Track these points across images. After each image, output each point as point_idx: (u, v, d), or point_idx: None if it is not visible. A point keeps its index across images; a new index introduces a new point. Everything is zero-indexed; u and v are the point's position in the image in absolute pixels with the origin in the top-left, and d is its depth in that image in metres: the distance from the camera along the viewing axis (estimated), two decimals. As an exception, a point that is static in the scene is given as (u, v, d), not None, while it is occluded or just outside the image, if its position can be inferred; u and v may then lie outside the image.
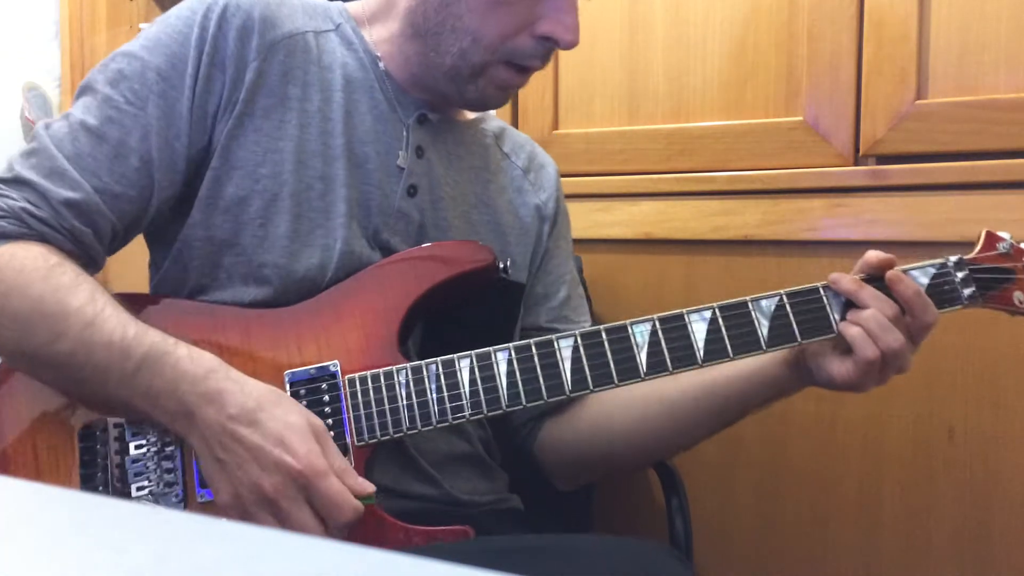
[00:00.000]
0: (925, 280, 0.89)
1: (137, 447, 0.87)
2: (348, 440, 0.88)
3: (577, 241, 1.25)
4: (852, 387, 0.90)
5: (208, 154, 0.94)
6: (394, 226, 0.97)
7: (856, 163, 1.28)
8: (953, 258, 0.90)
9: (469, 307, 0.98)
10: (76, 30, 2.04)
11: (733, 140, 1.36)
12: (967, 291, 0.89)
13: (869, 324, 0.86)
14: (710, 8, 1.38)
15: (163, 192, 0.93)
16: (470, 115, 1.11)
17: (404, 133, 0.99)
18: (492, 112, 1.09)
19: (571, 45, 0.95)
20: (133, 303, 0.91)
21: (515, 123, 1.52)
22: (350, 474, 0.82)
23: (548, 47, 0.95)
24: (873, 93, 1.26)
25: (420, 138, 1.00)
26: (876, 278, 0.89)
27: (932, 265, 0.89)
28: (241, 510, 0.81)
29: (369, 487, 0.82)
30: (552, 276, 1.11)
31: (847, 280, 0.88)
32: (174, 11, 0.96)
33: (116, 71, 0.93)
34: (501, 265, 0.96)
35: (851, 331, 0.87)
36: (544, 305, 1.10)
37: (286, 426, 0.81)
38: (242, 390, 0.82)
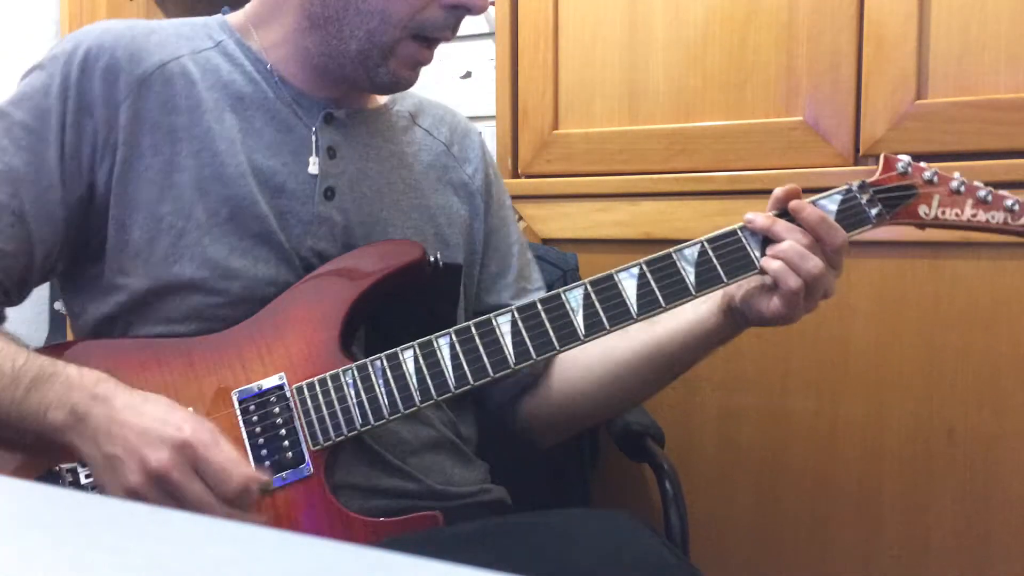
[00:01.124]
0: (833, 207, 0.93)
1: (87, 476, 0.87)
2: (303, 447, 0.89)
3: (577, 241, 1.26)
4: (783, 319, 0.92)
5: (92, 200, 0.94)
6: (317, 232, 0.96)
7: (856, 163, 1.28)
8: (856, 183, 0.94)
9: (409, 298, 0.99)
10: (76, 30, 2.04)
11: (733, 140, 1.36)
12: (874, 211, 0.93)
13: (788, 255, 0.89)
14: (710, 8, 1.38)
15: (45, 244, 0.93)
16: (380, 101, 1.08)
17: (312, 138, 0.98)
18: (403, 92, 1.07)
19: (481, 10, 0.94)
20: (68, 349, 0.92)
21: (515, 123, 1.52)
22: (242, 463, 0.81)
23: (458, 15, 0.95)
24: (873, 93, 1.26)
25: (330, 139, 0.99)
26: (788, 212, 0.93)
27: (838, 192, 0.94)
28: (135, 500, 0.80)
29: (262, 477, 0.82)
30: (501, 252, 1.12)
31: (761, 218, 0.92)
32: (39, 62, 0.96)
33: None
34: (432, 258, 0.97)
35: (772, 265, 0.90)
36: (501, 282, 1.11)
37: (171, 409, 0.81)
38: (130, 391, 0.83)
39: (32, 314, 1.92)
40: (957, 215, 0.94)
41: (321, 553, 0.34)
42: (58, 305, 1.88)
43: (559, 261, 1.33)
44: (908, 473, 1.24)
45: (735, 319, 0.96)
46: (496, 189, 1.15)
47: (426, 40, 0.95)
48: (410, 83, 0.99)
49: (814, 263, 0.89)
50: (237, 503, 0.80)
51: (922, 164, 0.95)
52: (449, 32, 0.95)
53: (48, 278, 0.98)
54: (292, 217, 0.96)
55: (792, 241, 0.90)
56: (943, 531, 1.23)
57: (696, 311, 0.97)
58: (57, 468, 0.88)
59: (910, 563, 1.24)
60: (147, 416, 0.80)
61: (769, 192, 1.33)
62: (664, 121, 1.41)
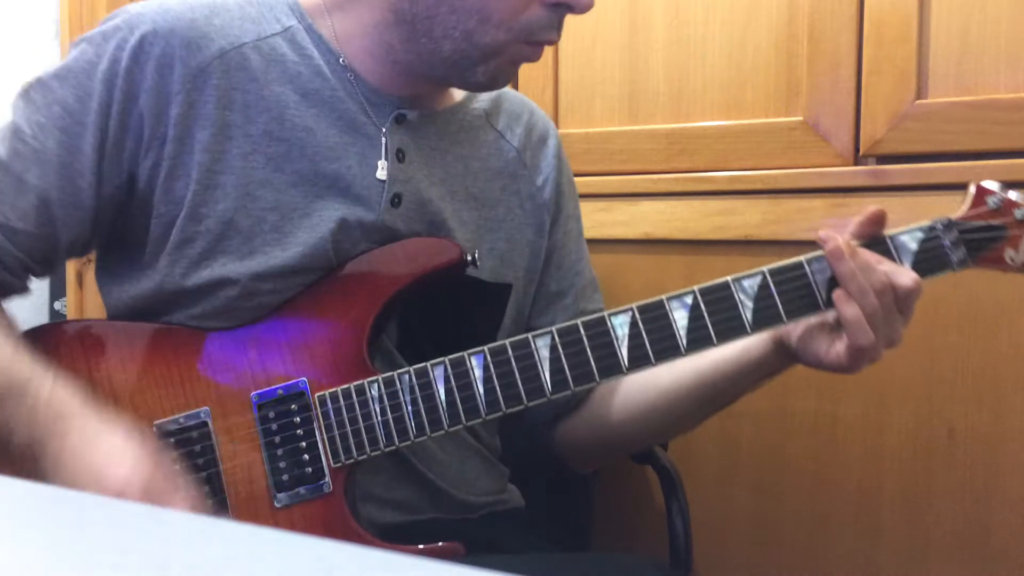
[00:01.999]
0: (914, 245, 0.84)
1: None
2: (324, 463, 0.85)
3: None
4: (843, 369, 0.84)
5: (133, 191, 0.89)
6: (372, 239, 0.91)
7: (856, 163, 1.28)
8: (942, 220, 0.84)
9: (449, 311, 0.94)
10: (76, 30, 2.04)
11: (733, 140, 1.36)
12: (956, 256, 0.84)
13: (864, 304, 0.80)
14: (710, 8, 1.38)
15: (70, 230, 0.89)
16: (456, 98, 1.01)
17: (382, 139, 0.91)
18: None
19: (587, 8, 0.85)
20: (86, 331, 0.91)
21: (515, 123, 1.51)
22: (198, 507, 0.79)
23: (560, 14, 0.86)
24: (873, 93, 1.26)
25: (400, 141, 0.92)
26: (876, 241, 0.84)
27: (920, 229, 0.84)
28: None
29: None
30: (563, 270, 1.07)
31: (841, 244, 0.82)
32: (89, 36, 0.90)
33: (30, 101, 0.89)
34: (469, 258, 0.91)
35: (849, 313, 0.80)
36: (559, 304, 1.06)
37: (123, 453, 0.77)
38: (89, 423, 0.79)
39: (32, 314, 1.92)
40: None
41: (321, 553, 0.34)
42: (58, 305, 1.88)
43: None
44: (908, 473, 1.24)
45: (788, 353, 0.88)
46: (565, 201, 1.08)
47: (536, 42, 0.88)
48: (508, 81, 0.93)
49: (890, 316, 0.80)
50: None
51: (1012, 196, 0.84)
52: (554, 33, 0.88)
53: (77, 256, 0.95)
54: (354, 223, 0.90)
55: (870, 289, 0.80)
56: (943, 531, 1.23)
57: (743, 341, 0.87)
58: None
59: (910, 563, 1.24)
60: (94, 463, 0.76)
61: (769, 192, 1.34)
62: (664, 121, 1.41)
